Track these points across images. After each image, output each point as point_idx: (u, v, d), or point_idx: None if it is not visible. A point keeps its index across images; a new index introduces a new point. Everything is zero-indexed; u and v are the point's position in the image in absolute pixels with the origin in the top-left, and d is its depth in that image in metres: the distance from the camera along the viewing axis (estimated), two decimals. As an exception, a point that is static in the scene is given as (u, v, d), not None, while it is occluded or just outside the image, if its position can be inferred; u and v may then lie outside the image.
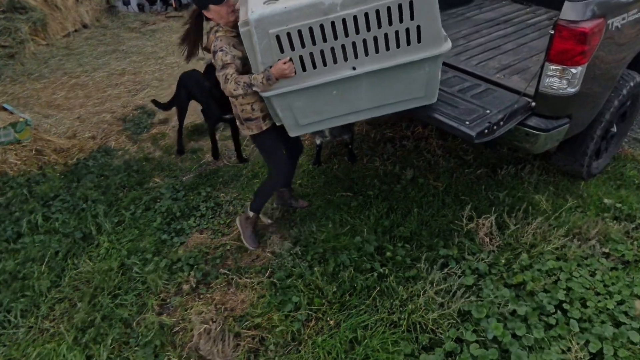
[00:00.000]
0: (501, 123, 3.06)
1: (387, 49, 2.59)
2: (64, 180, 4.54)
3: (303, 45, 2.54)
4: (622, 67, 3.44)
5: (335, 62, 2.62)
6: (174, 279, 3.37)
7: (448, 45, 2.66)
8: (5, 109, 5.28)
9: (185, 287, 3.30)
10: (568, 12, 2.89)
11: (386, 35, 2.53)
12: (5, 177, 4.58)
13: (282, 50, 2.56)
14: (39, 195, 4.32)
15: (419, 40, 2.57)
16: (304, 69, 2.64)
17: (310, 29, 2.48)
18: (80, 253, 3.66)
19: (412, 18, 2.48)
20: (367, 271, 3.23)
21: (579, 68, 2.98)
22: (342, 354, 2.75)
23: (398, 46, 2.59)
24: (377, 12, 2.45)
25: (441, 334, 2.81)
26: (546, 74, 3.06)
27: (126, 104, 6.08)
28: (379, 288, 3.10)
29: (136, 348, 2.93)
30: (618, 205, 3.69)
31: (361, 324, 2.89)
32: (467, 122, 3.01)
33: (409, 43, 2.57)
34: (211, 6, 2.80)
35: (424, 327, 2.85)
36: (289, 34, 2.49)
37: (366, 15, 2.46)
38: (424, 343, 2.77)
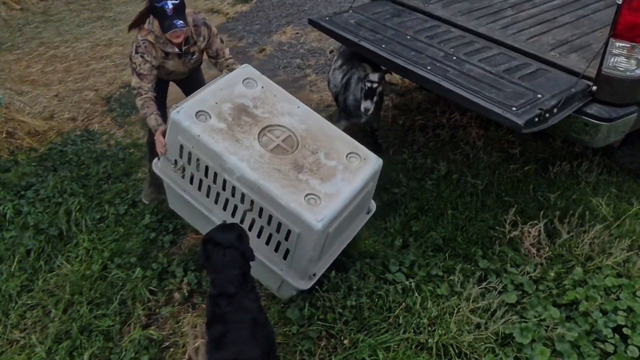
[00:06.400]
0: (555, 110, 3.03)
1: (258, 236, 3.00)
2: (39, 168, 4.61)
3: (197, 169, 3.04)
4: None
5: (215, 202, 3.07)
6: (164, 286, 3.41)
7: (307, 285, 3.03)
8: (-28, 84, 5.37)
9: (177, 295, 3.33)
10: (639, -23, 2.84)
11: (261, 227, 2.96)
12: (-29, 162, 4.66)
13: (180, 155, 3.05)
14: (9, 184, 4.39)
15: (284, 258, 2.97)
16: (191, 182, 3.13)
17: (207, 167, 2.96)
18: (55, 253, 3.72)
19: (285, 239, 2.89)
20: (390, 283, 3.24)
21: (652, 46, 2.94)
22: (358, 379, 2.76)
23: (267, 243, 3.00)
24: (261, 208, 2.87)
25: (477, 359, 2.80)
26: (611, 53, 3.02)
27: (112, 80, 6.15)
28: (404, 303, 3.10)
29: (119, 365, 2.98)
30: (694, 211, 3.65)
31: (382, 344, 2.90)
32: (514, 108, 2.99)
33: (276, 250, 2.97)
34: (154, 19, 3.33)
35: (457, 351, 2.85)
36: (190, 153, 2.98)
37: (252, 202, 2.89)
38: (455, 369, 2.77)
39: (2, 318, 3.30)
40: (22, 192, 4.31)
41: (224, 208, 3.04)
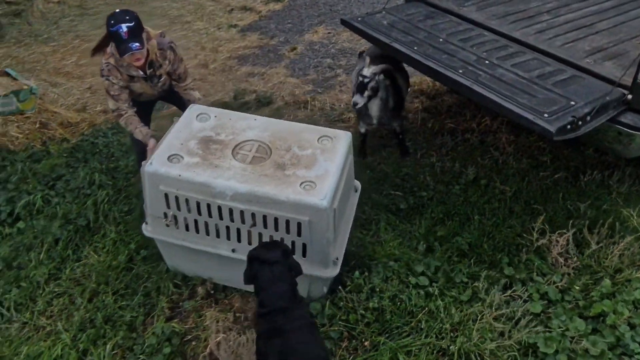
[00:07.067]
0: (588, 118, 3.00)
1: None
2: (70, 159, 4.70)
3: (189, 211, 3.06)
4: None
5: (217, 236, 3.12)
6: (188, 280, 3.46)
7: (335, 271, 3.09)
8: (8, 74, 5.50)
9: (200, 290, 3.37)
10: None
11: (271, 237, 3.00)
12: (4, 151, 4.77)
13: (168, 206, 3.07)
14: (40, 174, 4.49)
15: (304, 255, 3.03)
16: (187, 229, 3.15)
17: (197, 203, 3.00)
18: (83, 243, 3.80)
19: (299, 235, 2.96)
20: (414, 287, 3.24)
21: (691, 56, 2.90)
22: (378, 381, 2.77)
23: None
24: (264, 217, 2.93)
25: (498, 367, 2.79)
26: (648, 61, 2.99)
27: (144, 74, 6.23)
28: (426, 308, 3.10)
29: (141, 356, 3.03)
30: None
31: (403, 348, 2.90)
32: (546, 115, 2.97)
33: (293, 252, 2.93)
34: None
35: (479, 359, 2.84)
36: (177, 197, 3.01)
37: (253, 215, 2.95)
38: (476, 377, 2.76)
39: (30, 304, 3.39)
40: (53, 183, 4.41)
41: (228, 237, 3.09)
